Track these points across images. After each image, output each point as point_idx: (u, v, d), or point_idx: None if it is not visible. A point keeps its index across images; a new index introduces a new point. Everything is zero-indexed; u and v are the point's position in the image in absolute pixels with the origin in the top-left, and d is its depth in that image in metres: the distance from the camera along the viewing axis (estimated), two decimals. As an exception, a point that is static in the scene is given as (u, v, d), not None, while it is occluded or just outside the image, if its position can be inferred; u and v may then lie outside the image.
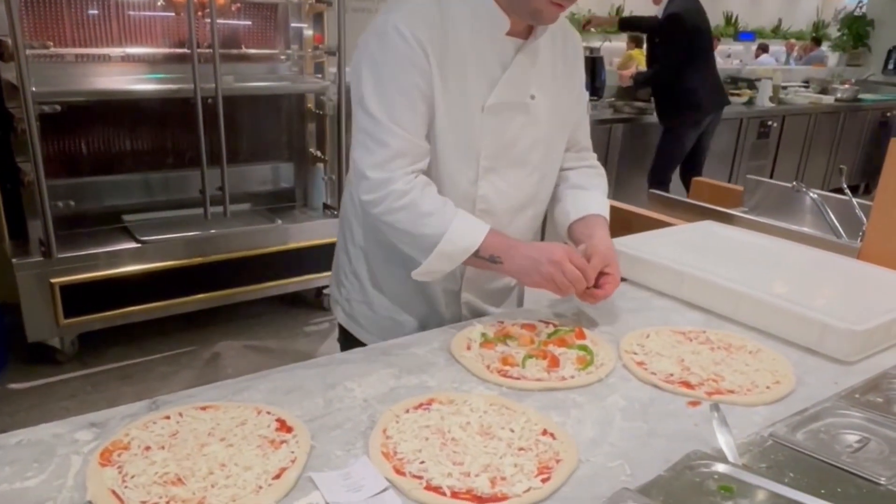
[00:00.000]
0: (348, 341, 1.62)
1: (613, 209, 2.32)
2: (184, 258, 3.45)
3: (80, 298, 3.22)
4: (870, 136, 7.07)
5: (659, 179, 4.87)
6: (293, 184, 4.16)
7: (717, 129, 5.00)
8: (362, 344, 1.48)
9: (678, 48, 4.61)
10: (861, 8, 8.11)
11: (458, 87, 1.34)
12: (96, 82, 3.38)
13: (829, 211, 2.04)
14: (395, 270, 1.51)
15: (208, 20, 3.27)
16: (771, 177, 6.42)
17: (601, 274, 1.41)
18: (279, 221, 3.77)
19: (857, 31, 7.74)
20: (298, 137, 4.10)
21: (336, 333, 1.73)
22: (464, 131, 1.38)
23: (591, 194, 1.58)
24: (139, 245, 3.37)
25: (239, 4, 3.62)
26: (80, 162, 3.54)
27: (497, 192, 1.45)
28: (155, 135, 3.69)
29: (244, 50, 3.76)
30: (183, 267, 3.45)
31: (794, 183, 2.19)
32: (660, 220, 2.13)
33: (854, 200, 2.02)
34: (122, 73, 3.47)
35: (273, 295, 3.80)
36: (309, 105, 4.00)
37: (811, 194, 2.12)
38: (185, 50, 3.39)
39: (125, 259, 3.32)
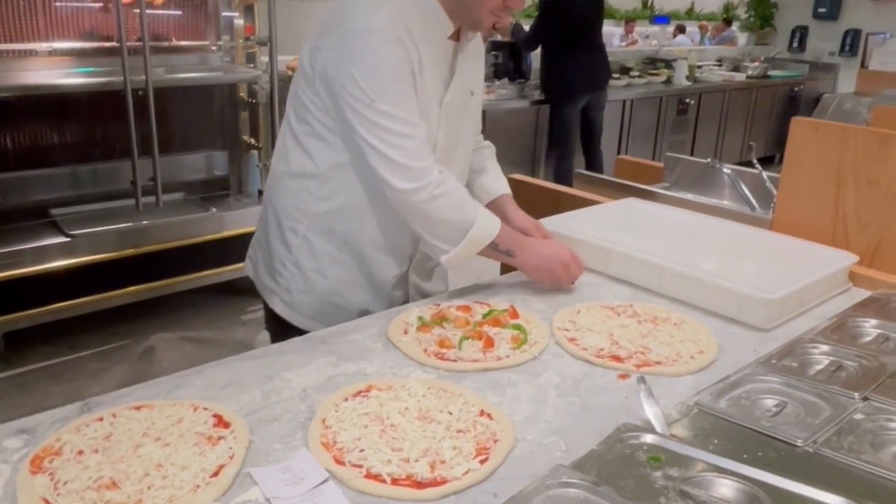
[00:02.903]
0: (285, 331, 1.59)
1: (543, 189, 2.38)
2: (115, 250, 3.37)
3: (5, 296, 3.10)
4: (781, 109, 7.42)
5: (558, 152, 5.28)
6: (227, 171, 4.12)
7: (602, 105, 5.33)
8: (300, 331, 1.48)
9: (536, 26, 5.12)
10: (765, -9, 8.57)
11: (423, 83, 1.44)
12: (23, 77, 3.29)
13: (742, 185, 2.13)
14: (340, 256, 1.55)
15: (138, 10, 3.21)
16: (692, 150, 6.66)
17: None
18: (213, 210, 3.72)
19: (762, 12, 8.18)
20: (231, 126, 4.06)
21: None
22: (428, 125, 1.46)
23: (491, 176, 1.75)
24: (68, 239, 3.27)
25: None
26: (5, 157, 3.42)
27: None
28: (85, 127, 3.61)
29: (174, 42, 3.73)
30: (114, 259, 3.37)
31: (710, 160, 2.29)
32: (586, 198, 2.18)
33: (764, 174, 2.12)
34: (51, 66, 3.39)
35: (209, 284, 3.72)
36: (241, 94, 3.99)
37: (725, 170, 2.21)
38: (113, 43, 3.33)
39: (53, 254, 3.22)
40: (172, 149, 3.85)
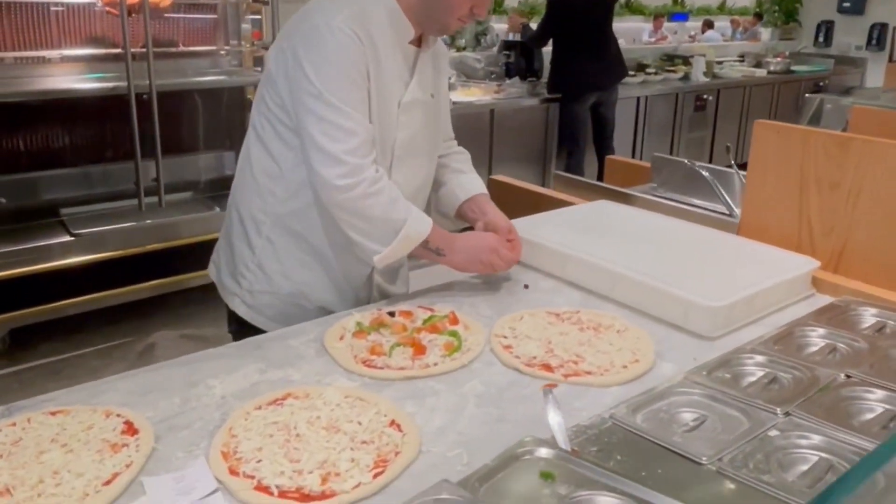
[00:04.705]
0: (246, 332, 1.60)
1: (522, 190, 2.35)
2: (118, 249, 3.45)
3: (12, 294, 3.18)
4: (805, 103, 7.28)
5: (568, 150, 5.25)
6: (235, 171, 4.17)
7: (614, 102, 5.26)
8: (261, 332, 1.48)
9: (543, 23, 5.21)
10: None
11: (380, 84, 1.46)
12: (35, 82, 3.42)
13: (720, 187, 2.08)
14: (304, 258, 1.56)
15: (150, 19, 3.36)
16: (712, 146, 6.55)
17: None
18: (217, 209, 3.77)
19: (786, 8, 8.04)
20: (240, 126, 4.12)
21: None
22: (384, 124, 1.49)
23: (471, 177, 1.75)
24: (72, 238, 3.35)
25: (182, 4, 3.78)
26: (18, 158, 3.54)
27: (405, 179, 1.56)
28: (94, 130, 3.72)
29: (181, 48, 3.90)
30: (117, 258, 3.45)
31: (687, 160, 2.24)
32: (564, 200, 2.15)
33: (738, 174, 2.06)
34: (61, 72, 3.52)
35: (211, 282, 3.76)
36: (249, 96, 4.07)
37: (703, 172, 2.16)
38: (120, 50, 3.43)
39: (58, 253, 3.30)
40: (181, 149, 3.96)
